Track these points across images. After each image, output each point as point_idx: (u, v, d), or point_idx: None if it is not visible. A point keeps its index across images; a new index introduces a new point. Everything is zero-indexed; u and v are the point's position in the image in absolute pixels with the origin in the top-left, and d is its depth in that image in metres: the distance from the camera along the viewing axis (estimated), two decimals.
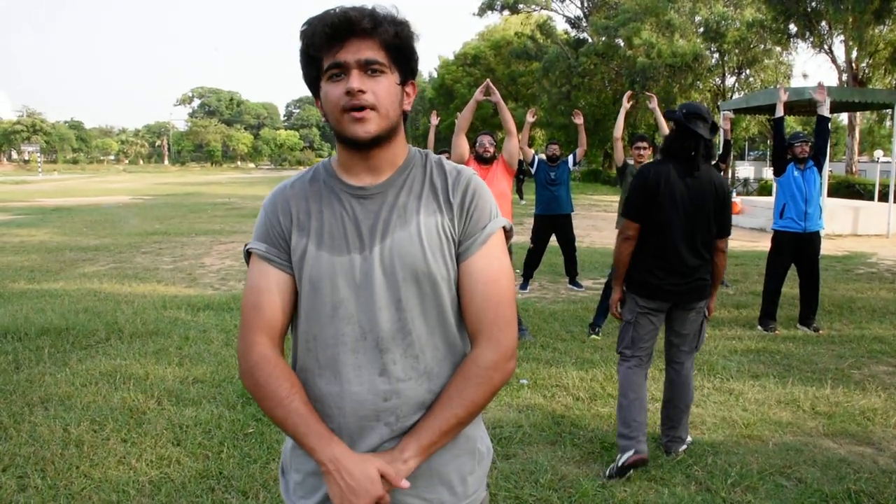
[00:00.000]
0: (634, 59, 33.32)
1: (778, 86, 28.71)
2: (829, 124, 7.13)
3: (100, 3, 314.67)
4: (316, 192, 1.58)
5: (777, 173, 7.23)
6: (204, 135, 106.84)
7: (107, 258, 11.92)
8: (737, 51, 32.34)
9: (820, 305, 7.36)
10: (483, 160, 6.30)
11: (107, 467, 3.80)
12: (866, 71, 28.19)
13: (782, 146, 7.13)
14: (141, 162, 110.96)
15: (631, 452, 3.80)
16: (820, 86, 7.08)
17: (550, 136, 39.24)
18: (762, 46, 32.02)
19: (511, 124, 6.07)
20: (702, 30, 33.08)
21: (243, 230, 16.59)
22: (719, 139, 9.01)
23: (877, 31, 25.57)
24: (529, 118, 7.89)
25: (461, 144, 5.99)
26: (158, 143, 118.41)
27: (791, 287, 7.59)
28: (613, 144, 7.60)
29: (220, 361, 5.69)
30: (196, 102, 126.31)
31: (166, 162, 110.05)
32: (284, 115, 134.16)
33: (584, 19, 43.77)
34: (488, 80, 6.16)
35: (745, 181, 32.49)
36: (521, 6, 44.92)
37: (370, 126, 1.47)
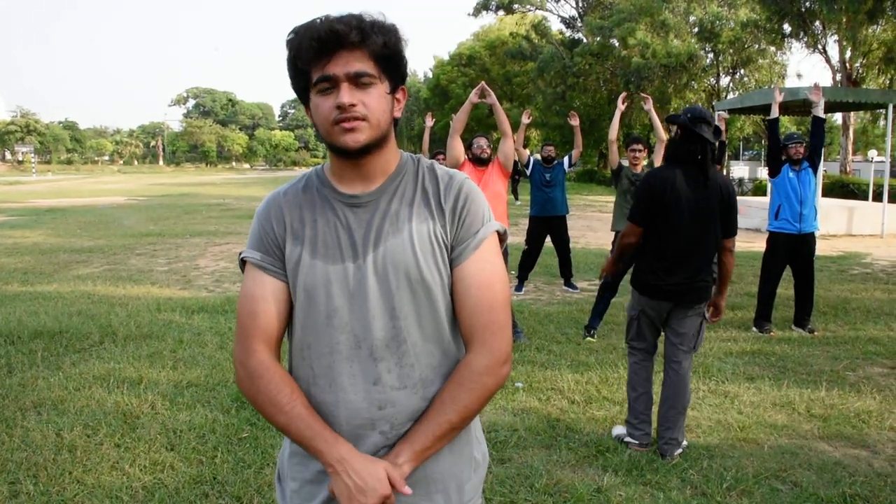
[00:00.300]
0: (629, 59, 33.38)
1: (772, 86, 28.78)
2: (825, 125, 7.13)
3: (94, 4, 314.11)
4: (309, 200, 1.58)
5: (772, 174, 7.23)
6: (199, 135, 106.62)
7: (101, 260, 11.88)
8: (731, 51, 32.46)
9: (815, 306, 7.36)
10: (479, 161, 6.29)
11: (100, 473, 3.77)
12: (860, 71, 28.26)
13: (777, 147, 7.13)
14: (135, 162, 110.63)
15: (636, 442, 4.18)
16: (816, 86, 7.08)
17: (545, 137, 39.27)
18: (756, 46, 32.15)
19: (506, 126, 6.06)
20: (696, 30, 33.20)
21: (238, 231, 16.55)
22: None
23: (870, 31, 25.66)
24: (525, 119, 7.89)
25: (456, 146, 5.99)
26: (153, 143, 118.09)
27: (786, 288, 7.60)
28: (608, 147, 7.59)
29: (214, 365, 5.66)
30: (191, 103, 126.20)
31: (161, 162, 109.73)
32: (279, 116, 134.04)
33: (578, 19, 43.83)
34: (483, 82, 6.15)
35: (740, 181, 32.56)
36: (515, 6, 44.97)
37: (360, 136, 1.46)
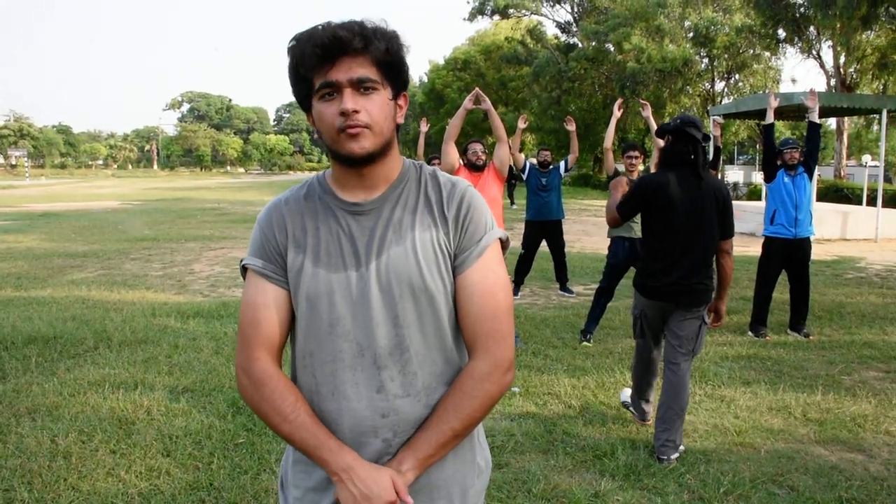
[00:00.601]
0: (624, 63, 33.44)
1: (767, 91, 28.89)
2: (820, 130, 7.16)
3: (88, 8, 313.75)
4: (311, 208, 1.57)
5: (767, 179, 7.25)
6: (193, 139, 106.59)
7: (95, 265, 11.85)
8: (726, 56, 32.57)
9: (810, 311, 7.38)
10: (474, 168, 6.29)
11: (95, 479, 3.75)
12: (854, 76, 28.40)
13: (773, 152, 7.15)
14: (130, 167, 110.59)
15: (635, 413, 4.63)
16: (811, 92, 7.10)
17: (540, 141, 39.34)
18: (751, 51, 32.29)
19: (502, 131, 6.07)
20: (691, 35, 33.27)
21: (233, 236, 16.54)
22: (708, 145, 9.04)
23: (864, 36, 25.78)
24: (521, 125, 7.90)
25: (451, 153, 6.00)
26: (147, 147, 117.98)
27: (781, 292, 7.61)
28: (604, 154, 7.60)
29: (210, 370, 5.64)
30: (185, 107, 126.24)
31: (155, 167, 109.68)
32: (274, 120, 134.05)
33: (574, 24, 43.91)
34: (477, 88, 6.16)
35: (735, 186, 32.64)
36: (511, 11, 45.05)
37: (365, 143, 1.46)
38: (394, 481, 1.44)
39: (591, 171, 43.66)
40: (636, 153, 7.17)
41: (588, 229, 18.29)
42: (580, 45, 40.16)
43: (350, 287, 1.50)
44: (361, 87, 1.45)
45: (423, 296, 1.50)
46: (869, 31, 24.90)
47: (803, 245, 7.09)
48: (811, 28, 27.49)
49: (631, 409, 4.66)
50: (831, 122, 31.00)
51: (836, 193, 23.31)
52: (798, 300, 7.17)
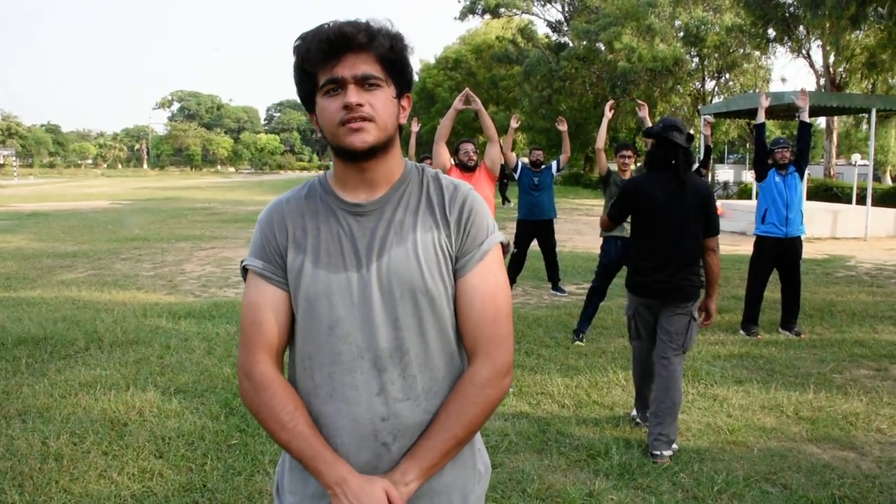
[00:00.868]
0: (615, 63, 33.50)
1: (757, 90, 29.01)
2: (811, 130, 7.20)
3: (77, 7, 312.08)
4: (312, 208, 1.56)
5: (759, 179, 7.29)
6: (183, 139, 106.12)
7: (85, 265, 11.78)
8: (716, 55, 32.66)
9: (801, 309, 7.41)
10: (466, 168, 6.29)
11: (87, 481, 3.73)
12: (843, 76, 28.53)
13: (764, 152, 7.18)
14: (119, 166, 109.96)
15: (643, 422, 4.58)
16: (802, 91, 7.13)
17: (531, 140, 39.36)
18: (741, 51, 32.39)
19: (492, 131, 6.07)
20: (682, 34, 33.36)
21: (224, 236, 16.49)
22: (699, 144, 9.08)
23: (853, 36, 25.89)
24: (514, 124, 7.91)
25: (442, 153, 6.00)
26: (137, 146, 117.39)
27: (772, 291, 7.64)
28: (596, 155, 7.61)
29: (202, 371, 5.62)
30: (175, 106, 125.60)
31: (145, 166, 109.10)
32: (265, 119, 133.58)
33: (565, 23, 43.94)
34: (467, 88, 6.16)
35: (725, 184, 32.76)
36: (502, 10, 45.02)
37: (367, 136, 1.46)
38: (388, 493, 1.43)
39: (582, 170, 43.71)
40: (629, 153, 7.18)
41: (580, 228, 18.32)
42: (571, 44, 40.19)
43: (350, 288, 1.49)
44: (366, 83, 1.45)
45: (424, 298, 1.49)
46: (858, 31, 25.00)
47: (794, 244, 7.12)
48: (801, 28, 27.59)
49: (638, 419, 4.65)
50: (821, 122, 31.14)
51: (826, 192, 23.43)
52: (789, 299, 7.20)
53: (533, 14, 45.98)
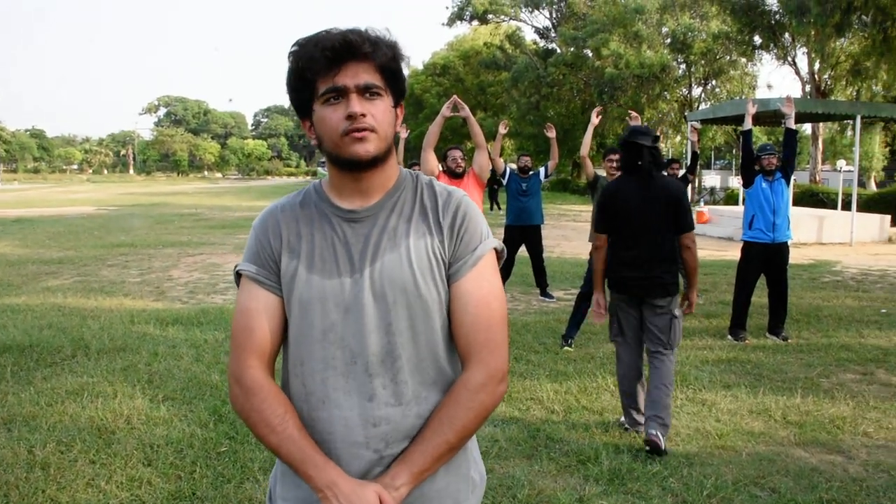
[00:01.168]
0: (603, 69, 33.70)
1: (744, 96, 29.20)
2: (797, 136, 7.26)
3: (61, 10, 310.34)
4: (307, 215, 1.56)
5: (746, 185, 7.34)
6: (170, 144, 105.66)
7: (71, 271, 11.70)
8: (703, 62, 32.89)
9: (788, 314, 7.46)
10: (454, 174, 6.31)
11: (75, 490, 3.70)
12: (829, 82, 28.75)
13: (751, 158, 7.23)
14: (105, 171, 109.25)
15: (638, 430, 4.55)
16: (788, 99, 7.19)
17: (519, 146, 39.49)
18: (728, 57, 32.63)
19: (480, 138, 6.09)
20: (669, 41, 33.58)
21: (211, 242, 16.42)
22: (686, 150, 9.14)
23: (838, 44, 26.11)
24: (502, 130, 7.93)
25: (430, 160, 6.01)
26: (123, 152, 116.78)
27: (760, 296, 7.69)
28: (582, 162, 7.65)
29: (190, 378, 5.59)
30: (162, 111, 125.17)
31: (131, 171, 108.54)
32: (252, 125, 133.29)
33: (552, 30, 44.14)
34: (455, 95, 6.18)
35: (712, 190, 32.91)
36: (490, 16, 45.18)
37: (370, 146, 1.46)
38: (380, 496, 1.42)
39: (570, 176, 43.86)
40: (617, 157, 7.20)
41: (567, 234, 18.36)
42: (559, 50, 40.38)
43: (343, 294, 1.48)
44: (367, 92, 1.45)
45: (417, 303, 1.49)
46: (842, 39, 25.23)
47: (781, 249, 7.17)
48: (786, 35, 27.81)
49: (627, 424, 4.67)
50: (807, 128, 31.38)
51: (812, 198, 23.58)
52: (776, 304, 7.25)
53: (521, 20, 46.21)
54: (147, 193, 45.37)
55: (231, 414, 4.65)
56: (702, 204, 23.74)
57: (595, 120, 7.16)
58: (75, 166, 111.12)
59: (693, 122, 11.13)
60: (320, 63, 1.43)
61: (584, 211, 25.99)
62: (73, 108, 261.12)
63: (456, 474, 1.59)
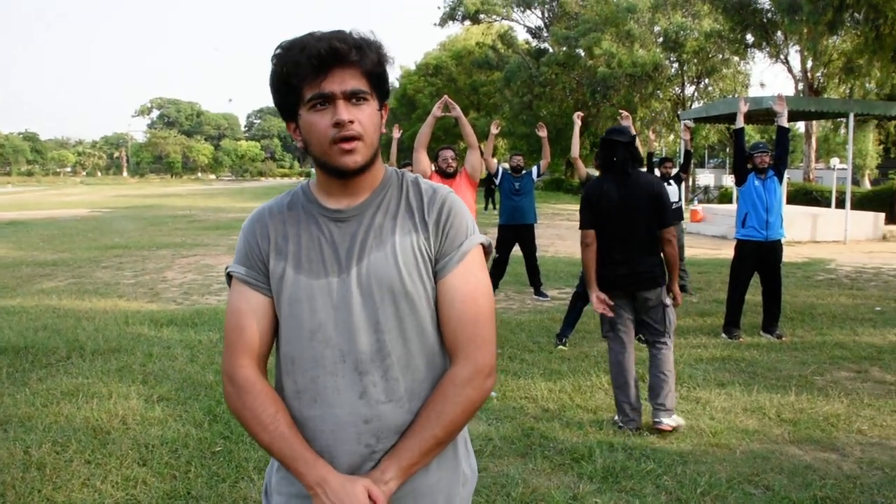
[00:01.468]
0: (595, 68, 33.75)
1: (736, 95, 29.28)
2: (789, 134, 7.28)
3: (54, 12, 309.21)
4: (294, 216, 1.58)
5: (738, 183, 7.35)
6: (163, 146, 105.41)
7: (65, 273, 11.68)
8: (696, 60, 32.96)
9: (782, 312, 7.47)
10: (446, 174, 6.32)
11: (70, 490, 3.70)
12: (821, 80, 28.82)
13: (743, 156, 7.25)
14: (99, 174, 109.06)
15: (632, 427, 4.60)
16: (779, 97, 7.21)
17: (512, 146, 39.50)
18: (720, 56, 32.70)
19: (472, 138, 6.09)
20: (661, 40, 33.66)
21: (205, 243, 16.40)
22: (679, 149, 9.18)
23: (830, 41, 26.17)
24: (494, 130, 7.94)
25: (422, 160, 6.02)
26: (117, 154, 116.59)
27: (753, 294, 7.71)
28: (574, 164, 7.68)
29: (185, 378, 5.59)
30: (155, 113, 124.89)
31: (125, 174, 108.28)
32: (245, 126, 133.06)
33: (545, 29, 44.17)
34: (446, 95, 6.19)
35: (706, 189, 33.01)
36: (482, 16, 45.21)
37: (358, 156, 1.47)
38: (369, 491, 1.43)
39: (563, 175, 43.89)
40: None
41: (561, 233, 18.38)
42: (551, 50, 40.42)
43: (331, 293, 1.50)
44: (354, 98, 1.46)
45: (404, 300, 1.50)
46: (835, 37, 25.27)
47: (775, 247, 7.18)
48: (779, 33, 27.88)
49: (621, 423, 4.67)
50: (800, 126, 31.47)
51: (806, 196, 23.65)
52: (770, 302, 7.26)
53: (513, 20, 46.24)
54: (140, 195, 45.27)
55: (226, 414, 4.66)
56: (695, 202, 23.80)
57: (578, 122, 7.23)
58: (69, 169, 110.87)
59: (686, 121, 11.17)
60: (306, 69, 1.43)
61: (577, 210, 25.97)
62: (66, 111, 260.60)
63: (448, 469, 1.60)
